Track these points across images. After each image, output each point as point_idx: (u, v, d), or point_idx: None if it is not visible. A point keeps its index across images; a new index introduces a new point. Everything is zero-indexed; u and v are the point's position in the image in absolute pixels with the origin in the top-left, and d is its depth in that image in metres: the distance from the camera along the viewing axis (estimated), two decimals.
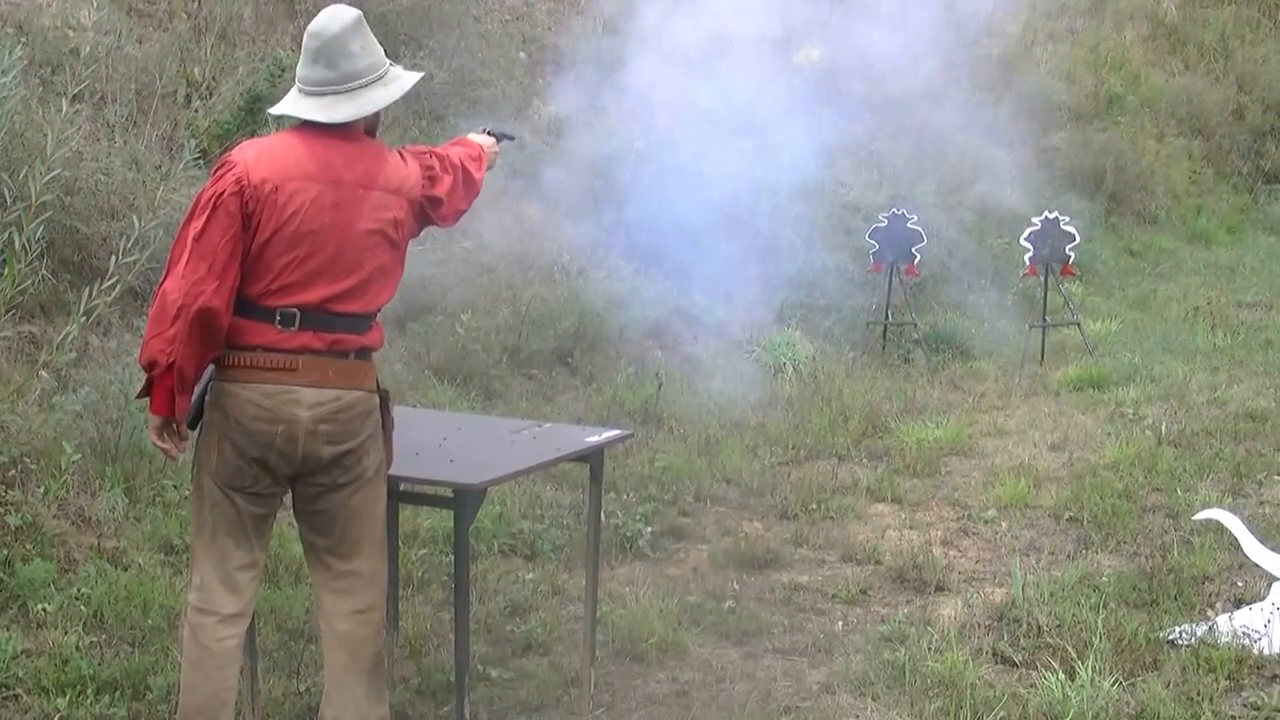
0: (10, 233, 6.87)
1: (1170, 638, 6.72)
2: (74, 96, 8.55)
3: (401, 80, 4.92)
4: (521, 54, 13.66)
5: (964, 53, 17.48)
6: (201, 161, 8.66)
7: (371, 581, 4.91)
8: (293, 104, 4.83)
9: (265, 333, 4.68)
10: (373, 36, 4.87)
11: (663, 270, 12.92)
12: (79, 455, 7.05)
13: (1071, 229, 13.81)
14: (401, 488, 5.67)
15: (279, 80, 9.79)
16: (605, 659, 6.53)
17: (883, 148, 16.03)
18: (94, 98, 9.25)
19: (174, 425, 4.76)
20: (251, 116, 9.47)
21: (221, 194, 4.61)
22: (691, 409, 10.82)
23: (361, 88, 4.78)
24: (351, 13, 4.82)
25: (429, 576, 7.37)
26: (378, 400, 4.89)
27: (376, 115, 4.92)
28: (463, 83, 12.51)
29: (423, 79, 5.14)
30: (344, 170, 4.73)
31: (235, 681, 4.90)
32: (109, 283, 7.05)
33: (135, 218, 7.47)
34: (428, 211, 5.01)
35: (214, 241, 4.57)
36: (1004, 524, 8.80)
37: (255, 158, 4.69)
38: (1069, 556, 8.16)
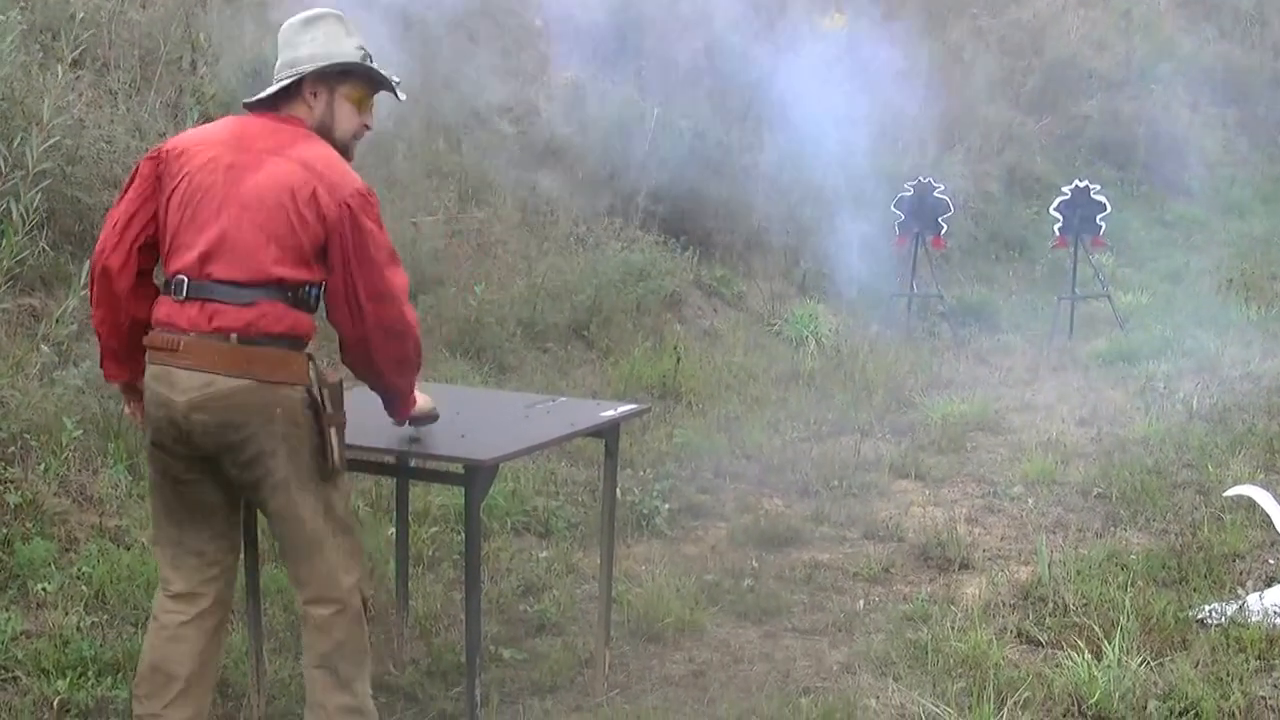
0: (8, 202, 6.78)
1: (1199, 617, 6.65)
2: (75, 62, 8.48)
3: (337, 61, 4.76)
4: (537, 21, 13.55)
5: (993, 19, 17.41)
6: None
7: (318, 580, 4.71)
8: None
9: (165, 305, 4.60)
10: (338, 31, 4.77)
11: (682, 241, 12.86)
12: (80, 431, 6.95)
13: (1102, 198, 13.73)
14: (412, 464, 5.64)
15: None
16: (620, 639, 6.44)
17: (909, 115, 15.92)
18: (96, 64, 9.19)
19: (137, 391, 4.80)
20: (257, 83, 9.36)
21: (140, 162, 4.72)
22: (711, 384, 10.78)
23: (296, 76, 4.73)
24: (316, 11, 4.78)
25: (440, 555, 7.27)
26: (293, 396, 4.58)
27: (344, 132, 4.79)
28: (476, 49, 12.40)
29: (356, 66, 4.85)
30: (255, 140, 4.64)
31: (189, 661, 4.78)
32: None
33: None
34: (331, 244, 4.58)
35: (121, 205, 4.68)
36: (1030, 501, 8.75)
37: (187, 133, 4.80)
38: (1097, 534, 8.11)
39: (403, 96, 4.97)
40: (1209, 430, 9.99)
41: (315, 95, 4.75)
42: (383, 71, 4.86)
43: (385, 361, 4.76)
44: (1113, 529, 8.16)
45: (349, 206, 4.55)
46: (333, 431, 4.61)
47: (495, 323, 10.43)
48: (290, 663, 5.88)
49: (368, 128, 4.92)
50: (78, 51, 8.44)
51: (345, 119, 4.80)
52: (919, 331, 13.56)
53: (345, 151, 4.81)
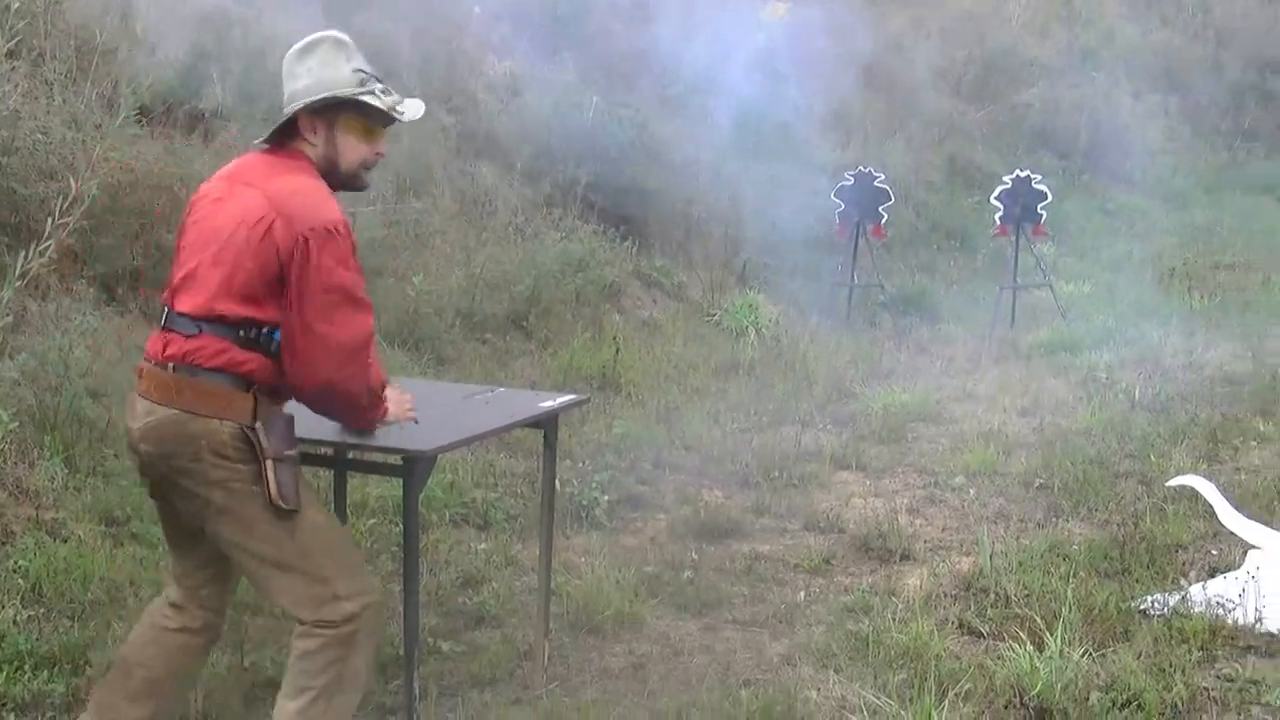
0: None
1: (1142, 608, 6.63)
2: (10, 53, 8.38)
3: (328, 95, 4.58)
4: (476, 8, 13.49)
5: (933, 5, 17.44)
6: (142, 120, 8.45)
7: (290, 601, 4.57)
8: None
9: (152, 336, 4.62)
10: (334, 57, 4.58)
11: (621, 231, 12.83)
12: (16, 424, 6.85)
13: (1044, 187, 13.75)
14: (350, 455, 5.54)
15: (225, 37, 9.61)
16: (560, 631, 6.40)
17: (850, 105, 15.94)
18: (31, 55, 9.10)
19: None
20: (194, 76, 9.26)
21: None
22: (650, 374, 10.75)
23: (290, 114, 4.61)
24: (314, 37, 4.64)
25: (378, 547, 7.20)
26: (220, 430, 4.41)
27: (350, 164, 4.61)
28: (415, 38, 12.33)
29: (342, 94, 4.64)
30: (245, 174, 4.55)
31: (159, 666, 4.74)
32: (45, 244, 6.88)
33: (72, 178, 7.29)
34: (287, 277, 4.39)
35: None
36: (972, 491, 8.73)
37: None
38: (1038, 524, 8.09)
39: (409, 118, 4.72)
40: (1151, 420, 10.00)
41: (315, 130, 4.56)
42: (384, 93, 4.65)
43: (322, 409, 4.64)
44: (1054, 520, 8.13)
45: (305, 239, 4.32)
46: (270, 466, 4.42)
47: (433, 313, 10.38)
48: (227, 655, 5.79)
49: (380, 155, 4.72)
50: (13, 42, 8.33)
51: (349, 150, 4.61)
52: (859, 321, 13.54)
53: (356, 180, 4.66)
